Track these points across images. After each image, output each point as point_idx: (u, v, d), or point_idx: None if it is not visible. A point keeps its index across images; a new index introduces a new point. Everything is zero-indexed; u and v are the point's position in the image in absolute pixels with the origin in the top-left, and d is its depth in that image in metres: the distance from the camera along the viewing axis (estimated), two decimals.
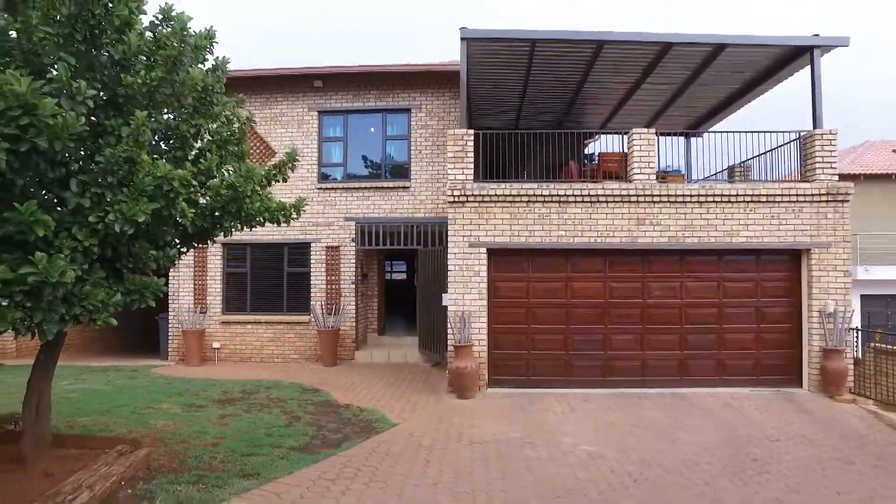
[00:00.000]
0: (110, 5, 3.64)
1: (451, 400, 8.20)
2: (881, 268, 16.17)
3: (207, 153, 4.40)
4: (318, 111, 12.11)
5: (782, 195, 8.77)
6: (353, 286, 11.84)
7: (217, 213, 4.44)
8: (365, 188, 11.91)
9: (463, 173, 8.94)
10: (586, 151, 14.54)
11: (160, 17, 4.13)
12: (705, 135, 13.86)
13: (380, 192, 11.89)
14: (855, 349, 8.87)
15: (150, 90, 3.78)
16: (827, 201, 8.73)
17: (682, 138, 13.84)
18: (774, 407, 7.89)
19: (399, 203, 11.89)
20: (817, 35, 8.96)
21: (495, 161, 10.71)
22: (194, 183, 3.84)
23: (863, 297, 17.30)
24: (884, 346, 8.78)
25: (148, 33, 4.21)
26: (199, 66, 4.27)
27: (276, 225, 5.04)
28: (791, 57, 9.50)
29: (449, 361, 8.74)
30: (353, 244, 11.78)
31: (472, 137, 9.10)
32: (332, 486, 4.69)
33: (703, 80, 10.69)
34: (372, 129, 12.29)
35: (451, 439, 6.28)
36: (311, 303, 11.76)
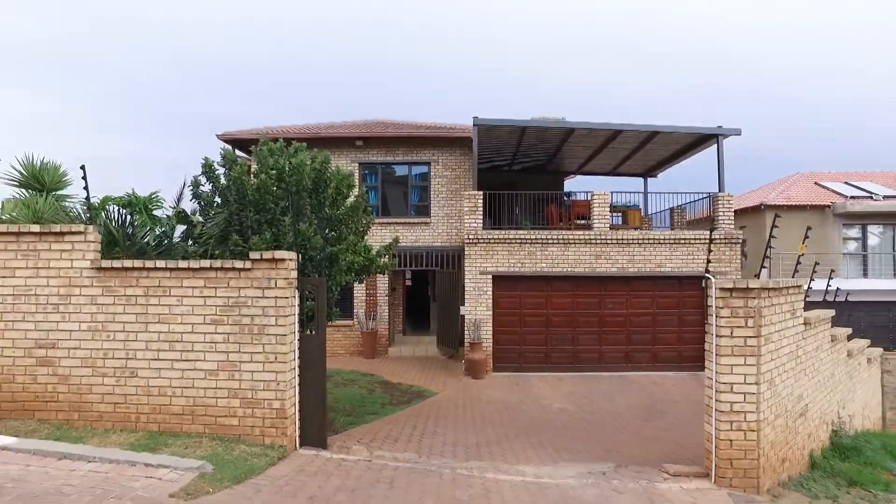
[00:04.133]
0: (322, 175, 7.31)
1: (468, 380, 11.95)
2: None
3: (358, 240, 8.04)
4: (359, 163, 15.76)
5: (696, 238, 12.67)
6: (386, 297, 15.54)
7: (359, 271, 8.08)
8: (395, 223, 15.56)
9: (476, 222, 12.71)
10: (566, 185, 18.44)
11: (339, 175, 7.76)
12: (657, 182, 17.89)
13: (406, 226, 15.58)
14: None
15: (344, 217, 7.43)
16: (725, 243, 12.66)
17: (641, 178, 17.85)
18: (685, 383, 11.80)
19: (421, 234, 15.59)
20: (720, 126, 12.91)
21: (496, 205, 14.47)
22: (360, 261, 7.48)
23: None
24: None
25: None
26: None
27: (380, 274, 8.75)
28: (705, 138, 13.46)
29: (465, 354, 12.49)
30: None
31: (482, 196, 12.87)
32: (418, 418, 8.44)
33: (649, 147, 14.64)
34: (400, 178, 16.01)
35: (474, 400, 10.06)
36: (355, 310, 15.42)
